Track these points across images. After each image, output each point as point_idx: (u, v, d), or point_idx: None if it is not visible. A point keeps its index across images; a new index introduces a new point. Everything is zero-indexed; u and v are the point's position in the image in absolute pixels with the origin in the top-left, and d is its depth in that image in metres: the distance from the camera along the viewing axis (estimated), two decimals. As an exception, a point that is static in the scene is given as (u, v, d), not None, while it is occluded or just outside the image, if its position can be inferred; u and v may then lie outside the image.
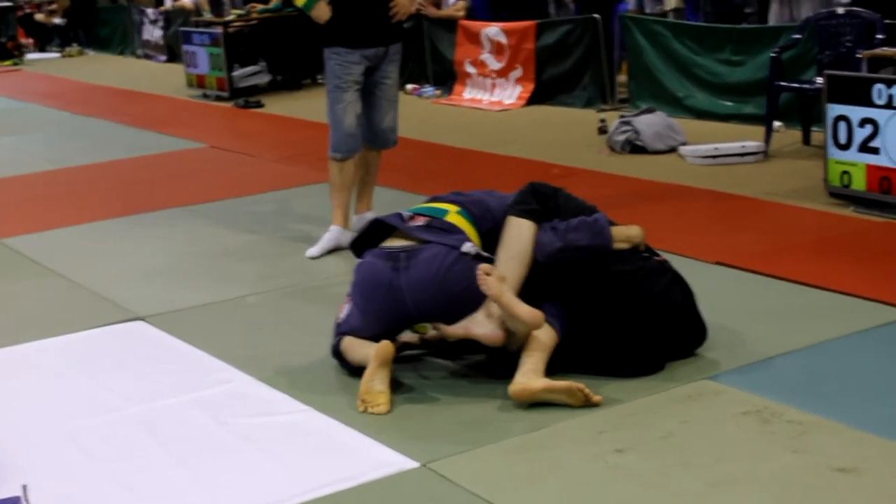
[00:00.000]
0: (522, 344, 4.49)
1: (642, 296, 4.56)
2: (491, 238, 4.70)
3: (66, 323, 5.74)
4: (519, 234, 4.60)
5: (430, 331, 4.93)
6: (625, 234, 4.70)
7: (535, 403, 4.33)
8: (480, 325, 4.50)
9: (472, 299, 4.49)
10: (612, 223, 4.72)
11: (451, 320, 4.57)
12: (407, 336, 4.96)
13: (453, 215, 4.78)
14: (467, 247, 4.59)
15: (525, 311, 4.39)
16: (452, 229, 4.70)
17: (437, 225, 4.72)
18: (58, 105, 14.26)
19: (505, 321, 4.45)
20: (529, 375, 4.35)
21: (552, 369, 4.48)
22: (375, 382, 4.43)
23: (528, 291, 4.53)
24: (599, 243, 4.59)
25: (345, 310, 4.79)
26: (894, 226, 6.53)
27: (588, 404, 4.30)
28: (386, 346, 4.48)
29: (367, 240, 4.86)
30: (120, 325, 5.69)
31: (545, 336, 4.49)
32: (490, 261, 4.59)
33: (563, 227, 4.60)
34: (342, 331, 4.77)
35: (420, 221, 4.76)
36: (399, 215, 4.84)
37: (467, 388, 4.62)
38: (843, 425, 4.04)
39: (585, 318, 4.59)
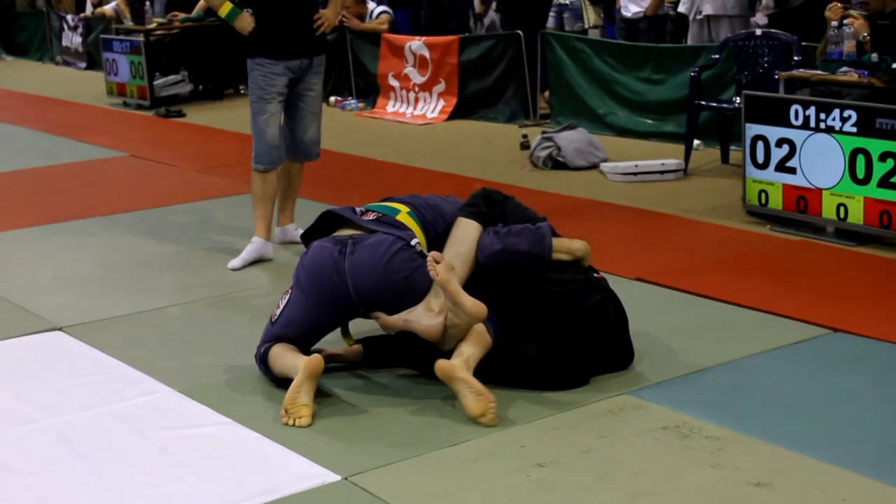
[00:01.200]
0: (455, 344, 4.55)
1: (573, 307, 4.63)
2: (441, 242, 4.79)
3: (-17, 333, 5.66)
4: (465, 236, 4.73)
5: (354, 344, 4.95)
6: (567, 245, 4.79)
7: (455, 419, 4.37)
8: (420, 317, 4.57)
9: (413, 290, 4.56)
10: (557, 235, 4.80)
11: (391, 311, 4.62)
12: (334, 348, 4.98)
13: (404, 215, 4.87)
14: (415, 241, 4.69)
15: (469, 301, 4.47)
16: (401, 226, 4.78)
17: (387, 220, 4.81)
18: (-26, 111, 14.04)
19: (447, 314, 4.51)
20: (461, 364, 4.41)
21: (484, 379, 4.52)
22: (301, 395, 4.43)
23: (470, 293, 4.57)
24: (538, 251, 4.69)
25: (283, 300, 4.80)
26: (810, 244, 6.65)
27: (482, 420, 4.31)
28: (316, 359, 4.49)
29: (318, 231, 4.92)
30: (37, 335, 5.62)
31: (483, 337, 4.56)
32: None
33: (505, 231, 4.71)
34: (274, 332, 4.76)
35: (371, 216, 4.84)
36: (352, 209, 4.92)
37: (390, 401, 4.63)
38: (759, 440, 4.12)
39: (517, 324, 4.66)
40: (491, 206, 4.83)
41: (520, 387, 4.62)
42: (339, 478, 3.98)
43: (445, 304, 4.51)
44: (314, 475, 4.00)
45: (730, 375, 4.76)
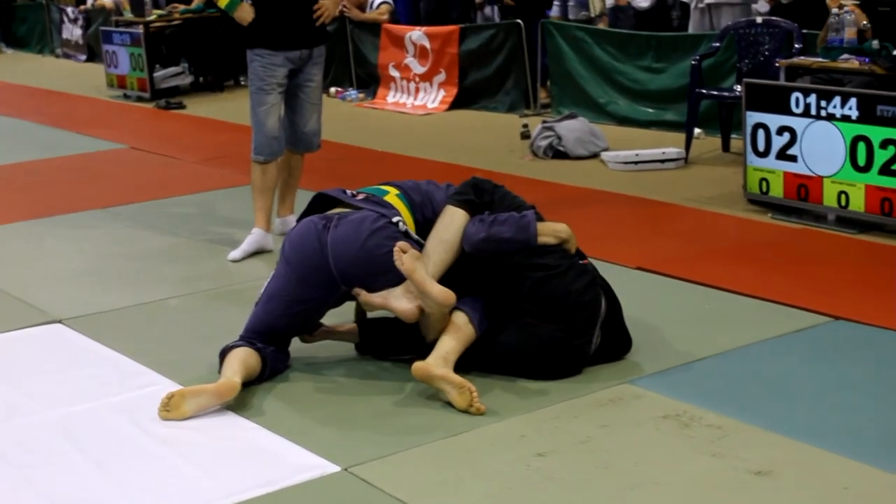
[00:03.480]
0: (437, 334, 4.58)
1: (559, 291, 4.62)
2: (429, 227, 4.80)
3: (-17, 326, 5.66)
4: (450, 223, 4.73)
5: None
6: (551, 228, 4.79)
7: (455, 409, 4.37)
8: (398, 299, 4.59)
9: (392, 268, 4.56)
10: (542, 219, 4.81)
11: (371, 288, 4.65)
12: (329, 325, 5.03)
13: (392, 197, 4.90)
14: (397, 219, 4.71)
15: (437, 290, 4.48)
16: (388, 206, 4.82)
17: (375, 200, 4.85)
18: (-26, 104, 14.03)
19: (419, 300, 4.53)
20: (438, 361, 4.44)
21: (472, 368, 4.55)
22: (191, 401, 4.42)
23: (454, 283, 4.59)
24: (522, 237, 4.68)
25: (270, 275, 4.85)
26: (811, 232, 6.64)
27: (470, 410, 4.33)
28: (232, 384, 4.49)
29: (312, 214, 4.97)
30: (38, 327, 5.62)
31: (464, 328, 4.57)
32: (419, 244, 4.70)
33: (490, 220, 4.71)
34: (254, 319, 4.81)
35: (360, 197, 4.89)
36: (343, 190, 4.96)
37: (390, 392, 4.62)
38: (759, 429, 4.11)
39: (504, 313, 4.66)
40: (479, 194, 4.83)
41: (517, 376, 4.62)
42: (338, 469, 3.97)
43: None
44: (313, 466, 3.99)
45: (730, 364, 4.74)
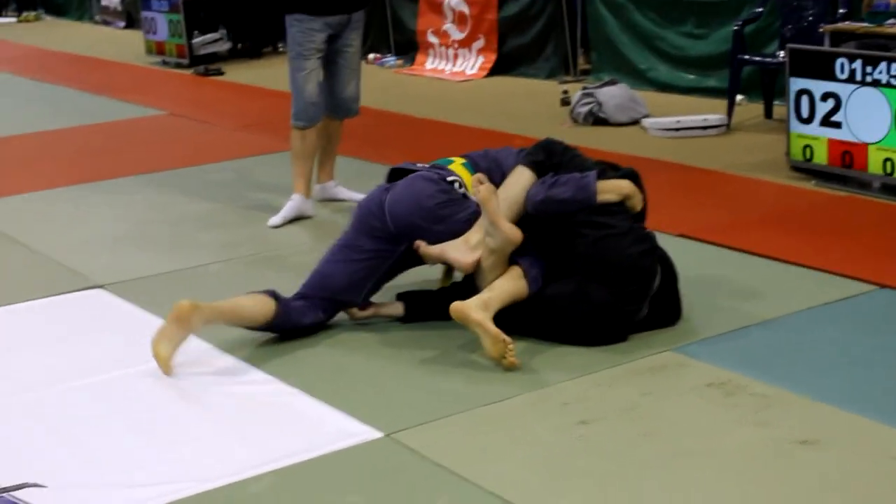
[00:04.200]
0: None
1: (612, 251, 4.61)
2: None
3: (24, 291, 5.69)
4: (517, 181, 4.77)
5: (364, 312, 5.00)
6: (614, 185, 4.80)
7: (498, 375, 4.36)
8: (456, 249, 4.68)
9: (444, 220, 4.69)
10: (614, 176, 4.85)
11: (427, 240, 4.73)
12: (376, 304, 4.99)
13: (457, 165, 4.98)
14: (452, 178, 4.83)
15: (507, 224, 4.57)
16: (450, 171, 4.91)
17: (438, 167, 4.96)
18: (15, 71, 14.07)
19: (484, 245, 4.58)
20: (479, 305, 4.46)
21: (516, 331, 4.49)
22: (163, 342, 4.52)
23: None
24: (582, 197, 4.69)
25: None
26: (856, 200, 6.56)
27: (502, 362, 4.35)
28: (184, 305, 4.56)
29: None
30: (79, 293, 5.64)
31: (517, 281, 4.60)
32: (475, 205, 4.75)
33: (552, 182, 4.72)
34: (315, 274, 4.93)
35: (426, 165, 5.01)
36: (412, 163, 5.08)
37: (432, 357, 4.61)
38: (805, 398, 4.06)
39: (559, 272, 4.66)
40: (550, 155, 4.85)
41: (555, 340, 4.61)
42: (381, 435, 3.96)
43: (483, 238, 4.59)
44: (356, 432, 3.98)
45: (775, 332, 4.70)
